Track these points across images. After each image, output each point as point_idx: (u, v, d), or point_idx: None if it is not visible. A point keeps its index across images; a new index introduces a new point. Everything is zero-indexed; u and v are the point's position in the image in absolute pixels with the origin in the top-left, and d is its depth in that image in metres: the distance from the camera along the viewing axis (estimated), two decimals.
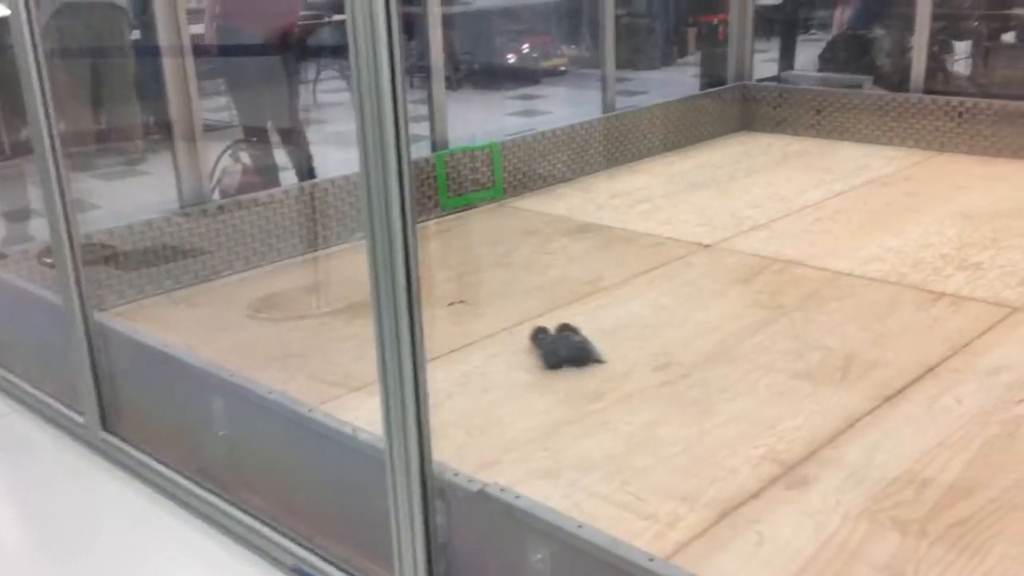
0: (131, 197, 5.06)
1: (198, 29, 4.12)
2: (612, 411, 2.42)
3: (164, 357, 2.18)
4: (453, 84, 7.54)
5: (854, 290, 3.10)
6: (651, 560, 1.42)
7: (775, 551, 1.85)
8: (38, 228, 3.86)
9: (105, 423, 2.33)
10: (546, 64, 8.75)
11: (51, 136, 2.19)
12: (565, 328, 2.78)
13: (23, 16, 2.12)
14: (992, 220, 3.70)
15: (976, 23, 5.55)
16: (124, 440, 2.29)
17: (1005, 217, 3.73)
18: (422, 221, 4.01)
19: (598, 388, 2.54)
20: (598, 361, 2.65)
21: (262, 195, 3.57)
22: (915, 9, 4.89)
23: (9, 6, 2.12)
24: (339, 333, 2.98)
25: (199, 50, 3.61)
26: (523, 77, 8.40)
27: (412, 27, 9.40)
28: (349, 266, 3.58)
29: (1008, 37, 5.84)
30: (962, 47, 6.28)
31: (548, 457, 2.23)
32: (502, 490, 1.61)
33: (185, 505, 2.18)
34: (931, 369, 2.53)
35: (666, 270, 3.38)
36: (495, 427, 2.38)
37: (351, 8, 1.38)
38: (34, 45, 2.12)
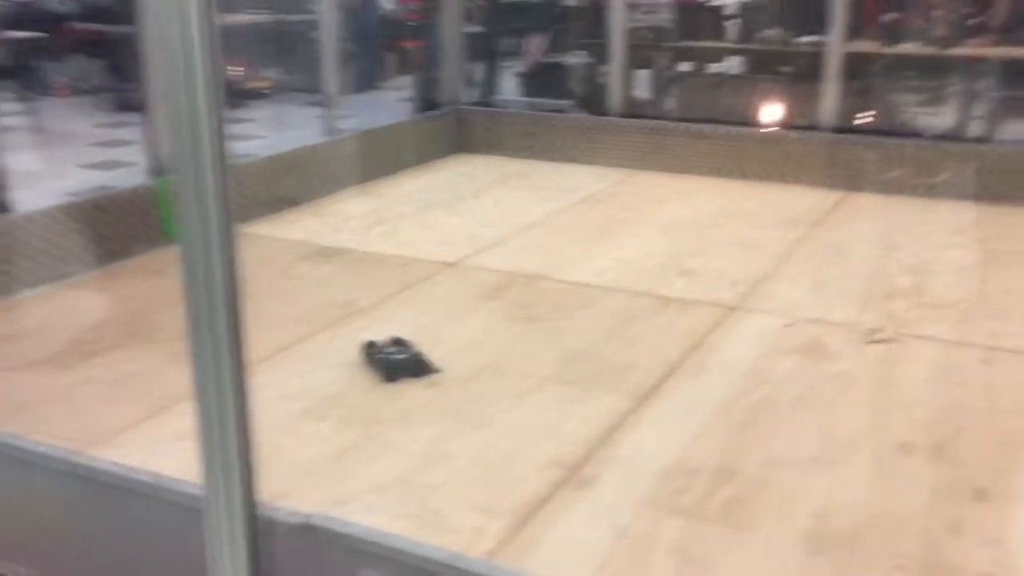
0: None
1: None
2: (393, 432, 2.42)
3: None
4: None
5: (594, 299, 3.33)
6: (494, 567, 1.45)
7: (579, 548, 1.95)
8: None
9: None
10: (247, 86, 8.51)
11: None
12: (397, 342, 2.78)
13: None
14: (696, 230, 4.12)
15: (665, 53, 6.15)
16: None
17: (705, 227, 4.17)
18: (143, 252, 3.76)
19: (374, 410, 2.53)
20: (434, 371, 2.68)
21: None
22: (609, 39, 5.35)
23: None
24: (76, 377, 2.73)
25: None
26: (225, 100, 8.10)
27: (101, 46, 8.76)
28: (65, 307, 3.29)
29: (685, 66, 6.52)
30: (643, 75, 6.93)
31: (339, 484, 2.19)
32: (328, 519, 1.57)
33: None
34: (675, 367, 2.78)
35: (416, 290, 3.43)
36: (276, 460, 2.28)
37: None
38: None
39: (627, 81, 5.60)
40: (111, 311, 3.29)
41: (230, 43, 9.15)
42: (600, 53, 6.50)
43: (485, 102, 6.21)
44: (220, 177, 1.34)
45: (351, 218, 4.31)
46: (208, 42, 1.29)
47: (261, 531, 1.54)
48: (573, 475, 2.22)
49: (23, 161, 5.76)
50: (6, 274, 3.28)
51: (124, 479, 1.68)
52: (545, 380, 2.70)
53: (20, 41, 7.51)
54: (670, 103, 6.25)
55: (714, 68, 6.59)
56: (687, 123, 5.21)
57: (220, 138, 1.34)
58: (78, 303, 3.35)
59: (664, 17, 6.29)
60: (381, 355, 2.76)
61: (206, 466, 1.47)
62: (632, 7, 6.42)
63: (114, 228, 3.68)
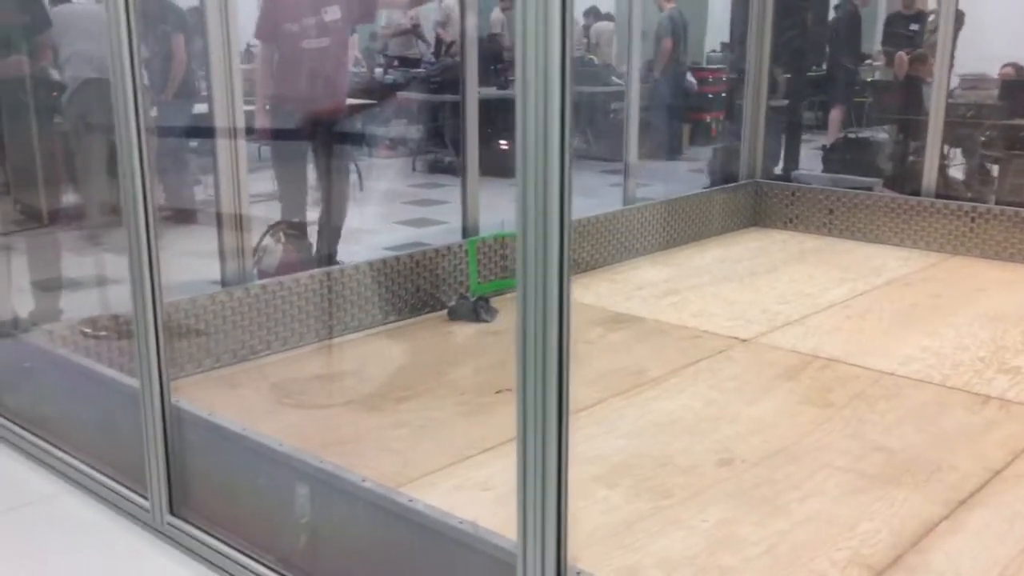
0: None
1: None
2: (684, 507, 2.39)
3: (244, 441, 2.13)
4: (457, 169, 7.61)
5: (900, 390, 3.12)
6: None
7: None
8: (67, 300, 3.81)
9: (173, 507, 2.26)
10: None
11: (146, 207, 2.15)
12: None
13: (126, 90, 2.13)
14: (1021, 323, 3.77)
15: (988, 131, 5.74)
16: (193, 525, 2.22)
17: None
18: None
19: (665, 483, 2.52)
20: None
21: (303, 276, 3.55)
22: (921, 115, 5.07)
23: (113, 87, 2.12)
24: (388, 420, 2.94)
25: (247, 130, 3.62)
26: None
27: (420, 113, 9.50)
28: (379, 353, 3.56)
29: (1010, 145, 6.02)
30: (959, 153, 6.49)
31: (628, 554, 2.19)
32: None
33: None
34: (997, 473, 2.54)
35: (709, 363, 3.38)
36: (569, 521, 2.33)
37: (522, 70, 1.41)
38: (137, 117, 2.11)
39: (943, 160, 5.26)
40: (419, 359, 3.52)
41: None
42: (911, 129, 6.19)
43: (785, 176, 6.07)
44: (564, 235, 1.41)
45: (643, 286, 4.35)
46: (563, 114, 1.38)
47: None
48: None
49: (350, 217, 6.34)
50: (333, 319, 3.62)
51: (437, 523, 1.77)
52: (845, 471, 2.55)
53: (354, 108, 8.31)
54: (992, 184, 5.80)
55: None
56: (1012, 207, 4.80)
57: (567, 200, 1.42)
58: (390, 349, 3.61)
59: (989, 93, 5.87)
60: None
61: (523, 519, 1.52)
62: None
63: (426, 281, 3.96)
